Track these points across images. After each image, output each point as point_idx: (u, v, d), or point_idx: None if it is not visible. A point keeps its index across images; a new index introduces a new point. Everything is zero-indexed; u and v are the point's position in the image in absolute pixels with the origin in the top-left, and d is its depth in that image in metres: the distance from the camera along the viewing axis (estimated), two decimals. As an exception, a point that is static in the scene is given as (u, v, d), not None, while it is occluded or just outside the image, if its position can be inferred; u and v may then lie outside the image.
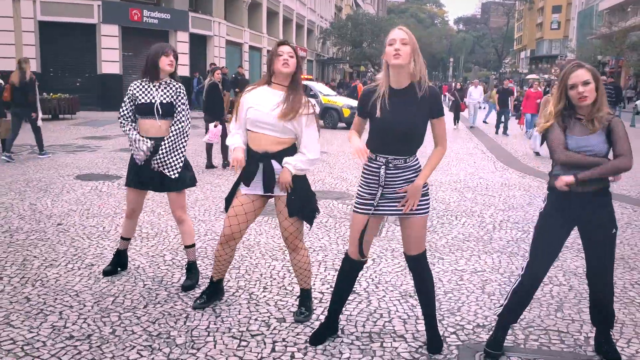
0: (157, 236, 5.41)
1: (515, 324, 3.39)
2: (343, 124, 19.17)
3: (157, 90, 4.06)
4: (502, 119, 17.88)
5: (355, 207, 3.26)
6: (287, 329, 3.57)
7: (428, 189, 3.21)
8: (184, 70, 23.13)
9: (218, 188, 7.90)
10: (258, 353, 3.25)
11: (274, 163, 3.49)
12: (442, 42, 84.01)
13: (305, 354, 3.26)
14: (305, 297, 3.79)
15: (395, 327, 3.63)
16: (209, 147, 9.63)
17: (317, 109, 3.61)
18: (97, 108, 20.71)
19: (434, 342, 3.32)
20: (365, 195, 3.20)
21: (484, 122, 22.16)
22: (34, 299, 3.85)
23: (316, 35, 47.57)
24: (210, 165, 9.68)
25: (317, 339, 3.38)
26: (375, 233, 3.37)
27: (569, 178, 2.97)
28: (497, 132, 17.82)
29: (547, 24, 78.69)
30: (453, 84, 25.68)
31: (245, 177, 3.55)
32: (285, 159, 3.46)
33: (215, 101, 9.47)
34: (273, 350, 3.29)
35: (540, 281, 3.25)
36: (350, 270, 3.36)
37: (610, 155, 3.05)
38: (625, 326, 3.70)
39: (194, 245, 4.27)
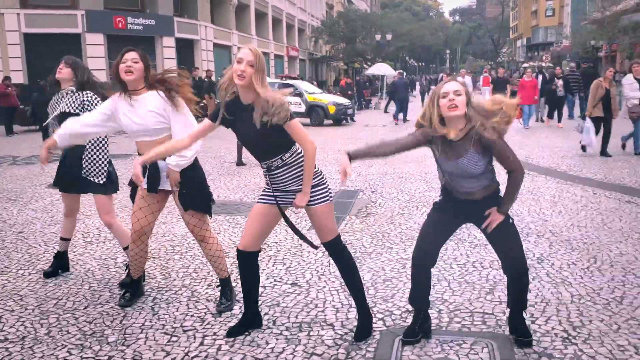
0: (113, 240, 5.52)
1: (428, 309, 3.44)
2: (329, 121, 19.30)
3: (64, 100, 4.21)
4: None
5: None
6: (220, 323, 3.67)
7: (322, 177, 3.32)
8: (171, 76, 23.17)
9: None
10: (186, 347, 3.34)
11: (160, 162, 3.66)
12: (437, 35, 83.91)
13: (232, 346, 3.35)
14: (224, 286, 3.91)
15: (326, 316, 3.73)
16: (240, 145, 9.89)
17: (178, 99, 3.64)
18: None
19: (362, 329, 3.41)
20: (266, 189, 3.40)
21: None
22: (-23, 305, 3.96)
23: (307, 34, 47.62)
24: (240, 163, 10.17)
25: (233, 332, 3.47)
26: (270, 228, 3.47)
27: (499, 217, 3.10)
28: None
29: (542, 12, 78.38)
30: (441, 75, 25.08)
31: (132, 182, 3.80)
32: (168, 159, 3.58)
33: None
34: (201, 344, 3.39)
35: (425, 266, 3.28)
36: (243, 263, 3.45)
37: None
38: (549, 305, 3.79)
39: (127, 248, 4.37)
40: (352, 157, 3.09)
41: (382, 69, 32.04)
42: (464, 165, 3.04)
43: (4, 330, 3.56)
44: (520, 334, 3.23)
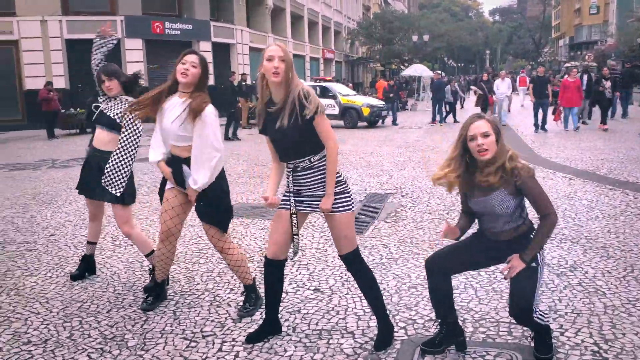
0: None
1: (455, 319, 3.32)
2: (363, 123, 19.19)
3: (109, 103, 4.25)
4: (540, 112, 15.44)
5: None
6: (240, 329, 3.64)
7: (345, 185, 3.24)
8: (209, 80, 23.52)
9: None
10: (204, 353, 3.32)
11: (184, 167, 3.66)
12: (476, 35, 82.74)
13: (249, 352, 3.32)
14: (249, 292, 3.89)
15: (347, 324, 3.66)
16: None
17: (210, 117, 3.60)
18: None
19: (383, 339, 3.33)
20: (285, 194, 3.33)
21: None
22: (4, 307, 4.04)
23: (343, 36, 47.58)
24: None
25: (252, 338, 3.43)
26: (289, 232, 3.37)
27: (519, 265, 2.89)
28: (536, 130, 15.24)
29: (586, 9, 76.30)
30: (480, 76, 24.29)
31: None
32: (189, 179, 3.60)
33: None
34: (220, 350, 3.36)
35: (435, 276, 3.13)
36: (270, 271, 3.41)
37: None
38: (580, 316, 3.62)
39: (152, 252, 4.36)
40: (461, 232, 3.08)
41: (418, 70, 31.73)
42: (492, 203, 2.92)
43: (28, 333, 3.61)
44: (540, 351, 3.07)
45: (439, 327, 3.25)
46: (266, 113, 3.21)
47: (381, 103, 20.45)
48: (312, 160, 3.16)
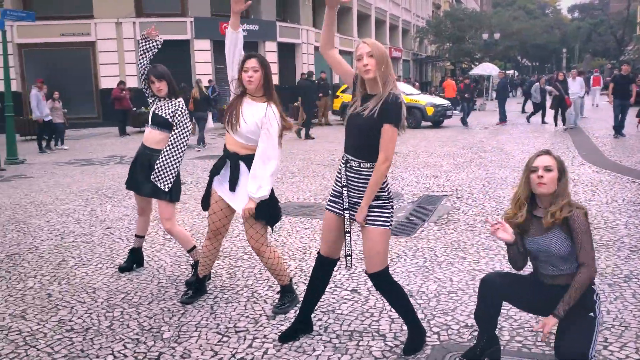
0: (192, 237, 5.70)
1: (495, 331, 3.19)
2: (428, 123, 18.89)
3: (158, 103, 4.39)
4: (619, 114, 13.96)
5: (327, 204, 3.32)
6: (272, 326, 3.66)
7: (389, 199, 3.14)
8: (274, 80, 23.90)
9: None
10: (234, 348, 3.36)
11: (241, 164, 3.68)
12: (553, 33, 79.67)
13: (278, 350, 3.33)
14: (284, 292, 3.92)
15: (380, 326, 3.60)
16: None
17: (276, 125, 3.61)
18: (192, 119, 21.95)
19: (412, 344, 3.26)
20: (334, 193, 3.26)
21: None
22: (54, 295, 4.24)
23: (412, 34, 47.01)
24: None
25: (285, 336, 3.43)
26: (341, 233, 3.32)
27: (551, 320, 2.75)
28: (616, 135, 13.94)
29: (674, 4, 71.86)
30: (554, 75, 22.80)
31: (213, 170, 3.81)
32: (248, 187, 3.59)
33: None
34: (250, 346, 3.39)
35: (495, 296, 2.99)
36: (321, 268, 3.40)
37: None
38: (629, 329, 3.41)
39: (194, 247, 4.47)
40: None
41: (487, 69, 30.87)
42: (547, 242, 2.81)
43: (72, 321, 3.78)
44: None
45: (478, 337, 3.13)
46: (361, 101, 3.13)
47: (446, 102, 20.06)
48: (361, 165, 3.10)
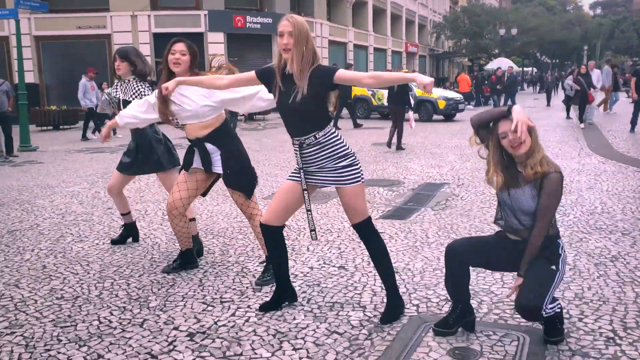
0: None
1: (469, 300, 3.23)
2: (439, 116, 18.84)
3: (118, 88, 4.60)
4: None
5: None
6: (257, 297, 3.73)
7: (354, 158, 3.24)
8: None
9: (273, 178, 8.22)
10: (217, 317, 3.44)
11: (208, 145, 3.85)
12: (574, 30, 78.69)
13: (260, 318, 3.40)
14: (267, 264, 3.99)
15: (362, 299, 3.66)
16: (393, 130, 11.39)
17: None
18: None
19: (389, 313, 3.31)
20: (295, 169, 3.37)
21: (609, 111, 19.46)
22: (49, 267, 4.37)
23: (428, 29, 46.77)
24: (399, 147, 11.33)
25: (266, 306, 3.50)
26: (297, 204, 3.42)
27: (519, 282, 2.83)
28: (632, 129, 13.42)
29: (698, 0, 70.49)
30: (574, 68, 21.67)
31: (185, 165, 3.99)
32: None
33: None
34: (233, 314, 3.47)
35: (460, 262, 3.04)
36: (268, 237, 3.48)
37: None
38: (607, 304, 3.43)
39: (193, 219, 4.59)
40: None
41: (502, 64, 30.63)
42: (517, 195, 2.87)
43: (63, 290, 3.89)
44: (548, 333, 2.94)
45: (451, 307, 3.18)
46: (282, 83, 3.20)
47: (458, 96, 19.98)
48: (317, 136, 3.19)
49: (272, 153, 10.82)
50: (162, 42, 22.03)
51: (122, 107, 4.48)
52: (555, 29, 48.06)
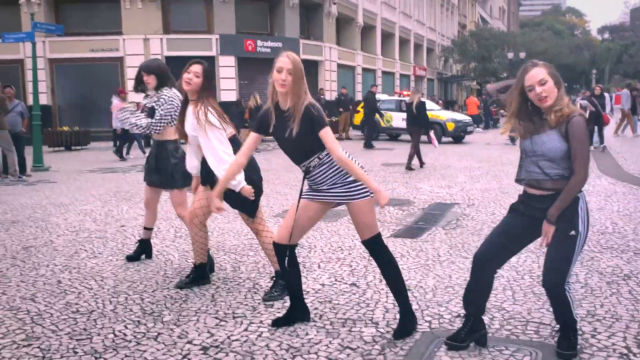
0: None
1: (482, 315, 3.26)
2: (448, 138, 18.91)
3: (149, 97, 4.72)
4: None
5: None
6: (269, 313, 3.76)
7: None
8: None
9: (283, 197, 8.27)
10: (230, 331, 3.47)
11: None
12: (581, 53, 79.03)
13: (272, 333, 3.42)
14: (276, 279, 4.03)
15: (374, 315, 3.68)
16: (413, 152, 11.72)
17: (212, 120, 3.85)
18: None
19: (402, 328, 3.33)
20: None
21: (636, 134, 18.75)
22: (64, 282, 4.42)
23: (437, 53, 47.12)
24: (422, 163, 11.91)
25: (279, 321, 3.53)
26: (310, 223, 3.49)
27: (549, 227, 2.87)
28: None
29: None
30: (586, 91, 20.71)
31: (202, 180, 4.20)
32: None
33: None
34: (246, 329, 3.50)
35: (482, 269, 3.10)
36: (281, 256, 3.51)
37: None
38: (620, 321, 3.43)
39: None
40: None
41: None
42: (543, 141, 2.86)
43: (78, 304, 3.93)
44: (561, 347, 2.95)
45: (464, 321, 3.19)
46: (275, 118, 3.28)
47: (467, 118, 20.08)
48: (320, 157, 3.25)
49: (282, 172, 10.89)
50: (174, 65, 22.33)
51: (152, 115, 4.55)
52: (563, 52, 48.33)
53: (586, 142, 2.82)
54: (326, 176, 3.29)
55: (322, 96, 20.55)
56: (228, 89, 22.94)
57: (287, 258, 3.46)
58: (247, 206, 3.97)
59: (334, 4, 27.64)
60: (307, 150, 3.27)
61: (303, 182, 3.41)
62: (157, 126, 4.51)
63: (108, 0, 22.59)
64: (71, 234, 6.05)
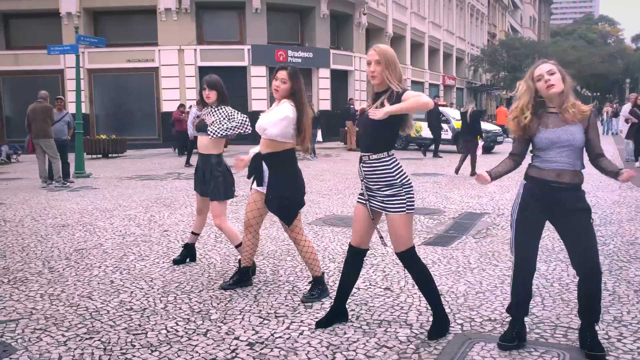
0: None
1: (526, 317, 3.48)
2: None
3: (206, 110, 4.98)
4: None
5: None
6: (310, 313, 4.00)
7: (402, 186, 3.44)
8: (325, 105, 24.54)
9: (316, 205, 8.52)
10: (273, 329, 3.72)
11: (264, 164, 4.23)
12: (614, 62, 77.85)
13: (312, 332, 3.66)
14: (315, 283, 4.26)
15: (408, 318, 3.89)
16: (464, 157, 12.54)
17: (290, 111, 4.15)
18: (248, 142, 22.73)
19: (435, 330, 3.54)
20: (362, 187, 3.60)
21: None
22: (116, 282, 4.73)
23: (466, 63, 47.04)
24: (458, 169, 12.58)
25: (322, 322, 3.75)
26: (373, 225, 3.67)
27: (629, 173, 3.15)
28: None
29: None
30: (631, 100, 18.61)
31: (248, 170, 4.35)
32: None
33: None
34: (288, 328, 3.74)
35: (530, 271, 3.33)
36: (351, 258, 3.73)
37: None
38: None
39: (241, 244, 4.86)
40: (493, 177, 3.40)
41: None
42: (569, 132, 3.13)
43: (132, 302, 4.24)
44: (590, 347, 3.13)
45: (510, 323, 3.40)
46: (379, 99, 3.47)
47: (497, 129, 20.09)
48: (370, 157, 3.46)
49: (313, 182, 11.15)
50: (207, 74, 22.98)
51: (205, 130, 4.80)
52: (595, 61, 47.71)
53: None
54: (369, 177, 3.48)
55: (352, 106, 20.73)
56: (259, 98, 23.39)
57: (355, 261, 3.71)
58: (284, 214, 4.21)
59: (364, 14, 27.95)
60: (369, 140, 3.48)
61: (360, 170, 3.55)
62: (245, 127, 4.76)
63: (144, 12, 23.32)
64: (118, 237, 6.41)
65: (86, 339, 3.56)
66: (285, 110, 4.12)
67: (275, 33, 24.20)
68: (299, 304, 4.18)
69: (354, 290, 4.46)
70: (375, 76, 3.41)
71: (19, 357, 3.31)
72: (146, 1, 23.18)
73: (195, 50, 23.09)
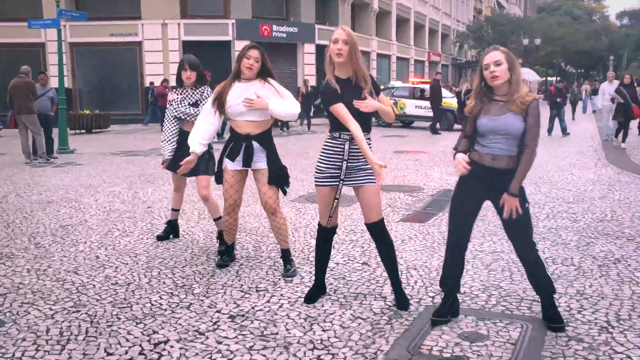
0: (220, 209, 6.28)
1: (458, 293, 3.66)
2: (459, 126, 19.14)
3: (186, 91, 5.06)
4: None
5: (319, 182, 3.79)
6: (290, 287, 4.17)
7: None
8: (312, 80, 24.52)
9: (300, 182, 8.66)
10: (254, 302, 3.89)
11: (254, 143, 4.25)
12: (599, 39, 78.12)
13: (292, 304, 3.84)
14: (287, 255, 4.47)
15: (383, 291, 4.07)
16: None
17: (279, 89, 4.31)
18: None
19: (401, 300, 3.74)
20: (329, 170, 3.72)
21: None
22: (101, 257, 4.87)
23: (452, 39, 47.03)
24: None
25: (309, 298, 3.93)
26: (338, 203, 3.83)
27: (512, 199, 3.23)
28: None
29: None
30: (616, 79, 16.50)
31: (230, 155, 4.35)
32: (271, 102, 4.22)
33: None
34: (268, 301, 3.91)
35: (461, 248, 3.55)
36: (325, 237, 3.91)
37: None
38: (604, 299, 3.80)
39: (220, 217, 5.02)
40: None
41: (525, 75, 30.77)
42: (507, 121, 3.21)
43: (117, 277, 4.38)
44: (550, 319, 3.34)
45: (443, 299, 3.59)
46: (341, 88, 3.56)
47: (480, 106, 20.27)
48: (366, 137, 3.59)
49: (297, 159, 11.29)
50: (191, 49, 22.79)
51: (195, 106, 4.91)
52: (580, 38, 47.92)
53: (539, 121, 3.22)
54: (356, 156, 3.64)
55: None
56: (244, 73, 23.25)
57: (327, 240, 3.89)
58: (287, 182, 4.38)
59: (350, -11, 27.79)
60: (368, 119, 3.66)
61: (345, 152, 3.64)
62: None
63: (127, -15, 23.00)
64: (103, 214, 6.51)
65: (73, 312, 3.70)
66: (283, 88, 4.33)
67: (260, 7, 24.03)
68: (279, 279, 4.35)
69: (333, 265, 4.64)
70: (342, 54, 3.49)
71: (7, 329, 3.44)
72: (129, -26, 22.87)
73: (179, 24, 22.88)
